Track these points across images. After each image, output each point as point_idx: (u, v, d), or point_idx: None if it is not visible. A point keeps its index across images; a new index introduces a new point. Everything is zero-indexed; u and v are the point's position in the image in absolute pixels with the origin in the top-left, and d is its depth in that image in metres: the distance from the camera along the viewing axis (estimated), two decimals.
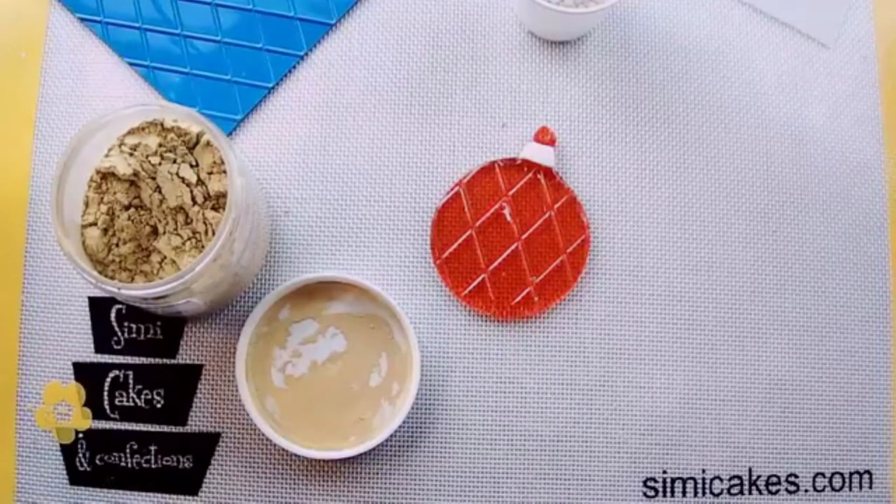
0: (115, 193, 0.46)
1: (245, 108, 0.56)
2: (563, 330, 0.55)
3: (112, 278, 0.46)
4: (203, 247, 0.46)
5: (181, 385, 0.53)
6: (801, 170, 0.57)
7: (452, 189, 0.55)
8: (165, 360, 0.54)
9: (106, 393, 0.53)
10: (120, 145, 0.47)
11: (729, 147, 0.57)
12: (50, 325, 0.54)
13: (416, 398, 0.51)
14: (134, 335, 0.54)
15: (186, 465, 0.53)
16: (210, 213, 0.46)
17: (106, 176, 0.46)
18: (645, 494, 0.53)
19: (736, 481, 0.54)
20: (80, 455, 0.52)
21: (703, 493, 0.54)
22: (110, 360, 0.53)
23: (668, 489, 0.53)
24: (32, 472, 0.53)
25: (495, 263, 0.55)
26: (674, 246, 0.56)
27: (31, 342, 0.53)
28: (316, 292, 0.53)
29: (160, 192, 0.46)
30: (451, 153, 0.56)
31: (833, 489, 0.54)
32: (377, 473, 0.53)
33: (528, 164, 0.55)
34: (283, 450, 0.52)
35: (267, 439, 0.51)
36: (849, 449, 0.55)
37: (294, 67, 0.57)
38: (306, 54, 0.57)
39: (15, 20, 0.56)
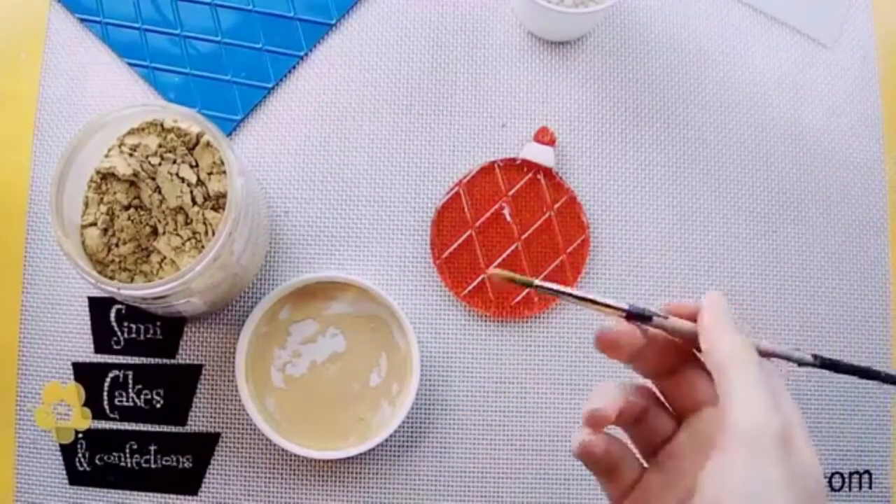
0: (114, 194, 0.46)
1: (245, 108, 0.56)
2: (563, 330, 0.55)
3: (112, 278, 0.46)
4: (203, 247, 0.46)
5: (181, 385, 0.53)
6: (801, 170, 0.57)
7: (452, 189, 0.55)
8: (165, 360, 0.54)
9: (105, 393, 0.53)
10: (120, 145, 0.47)
11: (729, 147, 0.57)
12: (50, 325, 0.54)
13: (416, 398, 0.51)
14: (134, 335, 0.54)
15: (186, 465, 0.53)
16: (210, 214, 0.46)
17: (106, 176, 0.46)
18: None
19: None
20: (80, 455, 0.52)
21: None
22: (110, 360, 0.53)
23: None
24: (32, 472, 0.53)
25: (495, 263, 0.55)
26: (674, 246, 0.56)
27: (31, 342, 0.53)
28: (316, 292, 0.53)
29: (160, 192, 0.46)
30: (451, 153, 0.56)
31: (833, 489, 0.54)
32: (377, 473, 0.53)
33: (528, 164, 0.55)
34: (283, 450, 0.52)
35: (267, 439, 0.51)
36: (848, 449, 0.55)
37: (294, 67, 0.57)
38: (306, 54, 0.57)
39: (15, 20, 0.56)
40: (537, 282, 0.37)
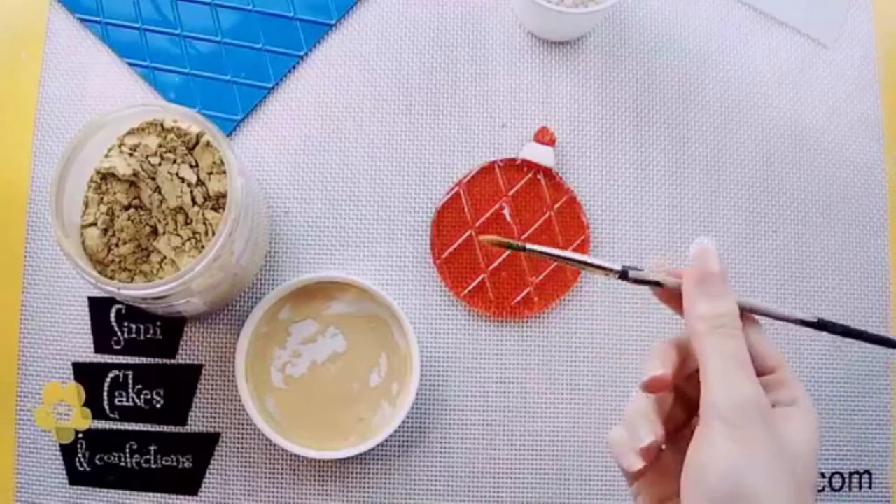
0: (115, 193, 0.46)
1: (245, 108, 0.56)
2: (563, 330, 0.55)
3: (112, 278, 0.46)
4: (203, 247, 0.46)
5: (181, 385, 0.53)
6: (801, 170, 0.57)
7: (452, 189, 0.55)
8: (165, 360, 0.54)
9: (106, 393, 0.53)
10: (120, 145, 0.47)
11: (729, 147, 0.57)
12: (50, 325, 0.54)
13: (416, 398, 0.51)
14: (133, 335, 0.54)
15: (186, 465, 0.53)
16: (210, 214, 0.46)
17: (106, 176, 0.46)
18: None
19: None
20: (80, 455, 0.52)
21: None
22: (110, 360, 0.53)
23: None
24: (32, 472, 0.53)
25: (495, 263, 0.55)
26: (674, 246, 0.56)
27: (31, 342, 0.53)
28: (316, 292, 0.53)
29: (160, 192, 0.46)
30: (451, 153, 0.56)
31: (833, 489, 0.54)
32: (377, 473, 0.53)
33: (528, 164, 0.55)
34: (283, 450, 0.52)
35: (267, 439, 0.51)
36: (848, 449, 0.55)
37: (294, 67, 0.57)
38: (306, 54, 0.57)
39: (15, 20, 0.56)
40: (529, 246, 0.38)
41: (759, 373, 0.36)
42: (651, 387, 0.36)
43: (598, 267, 0.38)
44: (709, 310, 0.36)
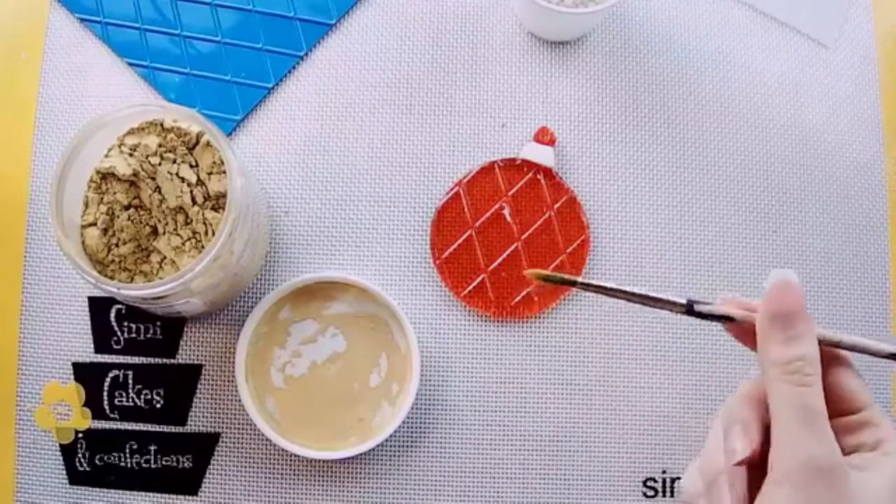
0: (114, 193, 0.46)
1: (245, 108, 0.56)
2: (563, 330, 0.55)
3: (112, 278, 0.46)
4: (203, 247, 0.46)
5: (181, 385, 0.53)
6: (801, 170, 0.57)
7: (452, 189, 0.55)
8: (165, 360, 0.54)
9: (105, 393, 0.53)
10: (120, 145, 0.47)
11: (729, 147, 0.57)
12: (50, 325, 0.54)
13: (416, 398, 0.51)
14: (133, 335, 0.54)
15: (186, 464, 0.53)
16: (210, 214, 0.46)
17: (106, 176, 0.46)
18: (645, 494, 0.53)
19: None
20: (80, 455, 0.52)
21: None
22: (110, 360, 0.53)
23: (668, 489, 0.53)
24: (32, 472, 0.53)
25: (495, 263, 0.55)
26: (674, 246, 0.56)
27: (30, 342, 0.53)
28: (316, 292, 0.53)
29: (160, 192, 0.46)
30: (451, 153, 0.56)
31: None
32: (377, 473, 0.53)
33: (528, 164, 0.55)
34: (283, 450, 0.52)
35: (266, 439, 0.51)
36: None
37: (294, 68, 0.57)
38: (306, 54, 0.57)
39: (15, 20, 0.57)
40: (581, 280, 0.35)
41: (843, 413, 0.34)
42: (739, 465, 0.33)
43: (662, 301, 0.35)
44: (782, 354, 0.32)
